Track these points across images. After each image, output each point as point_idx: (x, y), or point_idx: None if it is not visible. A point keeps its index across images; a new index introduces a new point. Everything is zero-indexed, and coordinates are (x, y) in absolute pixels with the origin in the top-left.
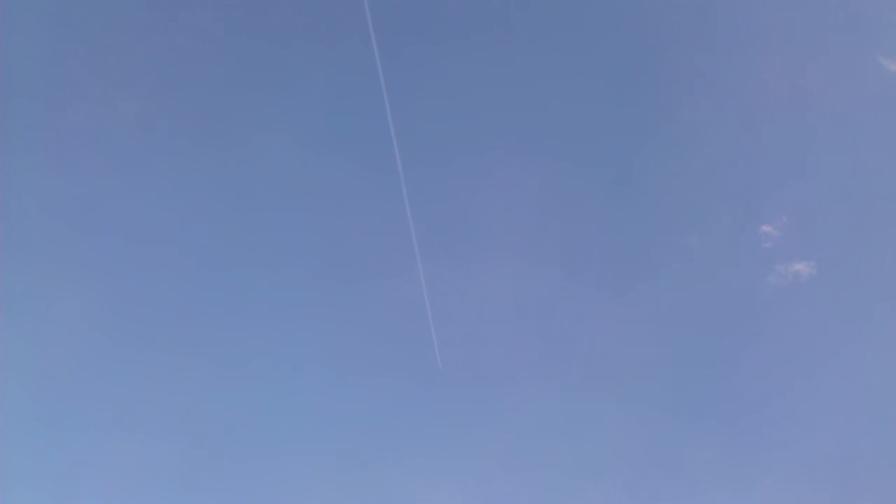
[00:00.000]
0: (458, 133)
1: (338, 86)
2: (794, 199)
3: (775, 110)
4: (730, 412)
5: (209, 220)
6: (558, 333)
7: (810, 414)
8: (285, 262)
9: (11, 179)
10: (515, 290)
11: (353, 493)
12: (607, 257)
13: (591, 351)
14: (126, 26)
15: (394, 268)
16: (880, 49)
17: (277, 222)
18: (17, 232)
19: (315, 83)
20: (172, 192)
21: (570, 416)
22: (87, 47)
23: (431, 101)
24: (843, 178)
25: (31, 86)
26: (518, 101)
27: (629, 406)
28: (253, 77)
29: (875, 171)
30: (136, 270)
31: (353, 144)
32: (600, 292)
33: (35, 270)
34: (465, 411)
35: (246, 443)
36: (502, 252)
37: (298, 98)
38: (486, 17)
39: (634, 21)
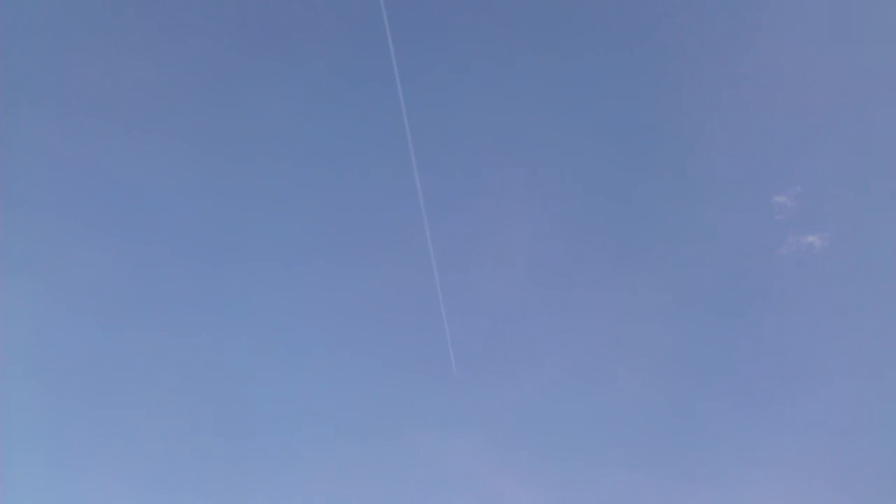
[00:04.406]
0: (474, 131)
1: (353, 85)
2: (807, 170)
3: (788, 80)
4: (743, 383)
5: (221, 213)
6: (573, 307)
7: (821, 386)
8: (299, 258)
9: (16, 168)
10: (530, 259)
11: (358, 481)
12: (621, 228)
13: (603, 325)
14: (141, 23)
15: (408, 264)
16: None
17: (293, 219)
18: (18, 220)
19: (331, 81)
20: (190, 186)
21: (584, 390)
22: (106, 26)
23: (447, 100)
24: (856, 149)
25: (36, 80)
26: (531, 90)
27: (641, 379)
28: (270, 73)
29: (890, 143)
30: (145, 261)
31: (368, 144)
32: (613, 265)
33: (36, 264)
34: (480, 401)
35: (254, 434)
36: (514, 227)
37: (314, 97)
38: (503, 12)
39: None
